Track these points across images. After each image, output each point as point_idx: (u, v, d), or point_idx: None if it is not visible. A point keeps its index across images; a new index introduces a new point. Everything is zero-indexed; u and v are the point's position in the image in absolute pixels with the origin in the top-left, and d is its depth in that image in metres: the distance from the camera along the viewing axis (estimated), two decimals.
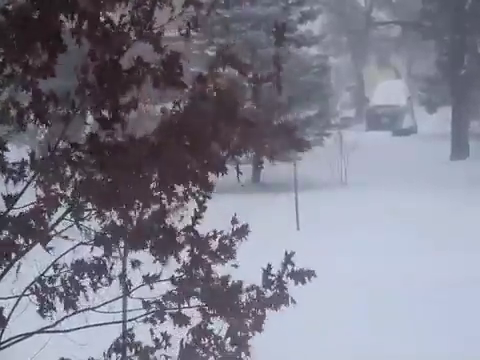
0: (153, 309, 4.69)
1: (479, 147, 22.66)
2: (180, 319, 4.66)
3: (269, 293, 4.75)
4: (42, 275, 4.56)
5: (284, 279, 4.78)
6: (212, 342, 4.67)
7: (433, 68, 31.94)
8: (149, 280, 4.73)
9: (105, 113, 4.21)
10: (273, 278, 4.78)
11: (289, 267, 4.83)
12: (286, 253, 4.85)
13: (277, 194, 17.64)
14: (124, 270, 4.85)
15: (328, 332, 8.73)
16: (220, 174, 4.38)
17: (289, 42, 23.58)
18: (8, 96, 4.20)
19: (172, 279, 4.70)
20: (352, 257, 12.71)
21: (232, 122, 4.32)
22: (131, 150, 4.14)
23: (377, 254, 13.01)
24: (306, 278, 4.75)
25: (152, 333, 4.73)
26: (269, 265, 4.82)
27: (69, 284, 4.53)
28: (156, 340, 4.71)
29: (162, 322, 4.70)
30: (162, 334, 4.75)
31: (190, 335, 4.68)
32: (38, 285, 4.54)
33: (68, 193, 4.34)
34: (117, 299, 4.88)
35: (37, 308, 4.54)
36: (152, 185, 4.33)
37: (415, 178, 22.46)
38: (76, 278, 4.55)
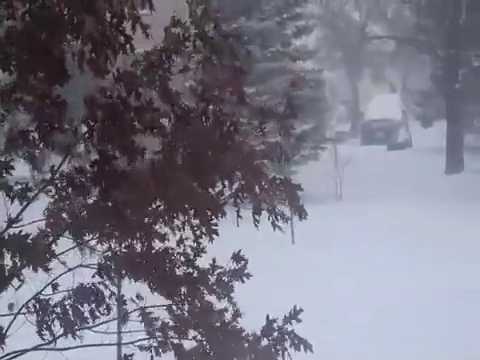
0: (147, 337, 4.65)
1: (474, 161, 22.68)
2: (180, 350, 4.59)
3: (265, 342, 4.62)
4: (39, 293, 4.52)
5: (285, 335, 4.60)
6: None
7: (428, 82, 32.07)
8: (146, 315, 4.68)
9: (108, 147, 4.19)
10: (274, 330, 4.62)
11: (288, 322, 4.65)
12: (294, 308, 4.67)
13: None
14: (119, 293, 4.82)
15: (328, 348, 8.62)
16: (220, 216, 4.29)
17: (284, 56, 23.68)
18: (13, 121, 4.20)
19: (169, 309, 4.63)
20: (347, 271, 12.65)
21: (233, 147, 4.25)
22: (134, 176, 4.09)
23: (372, 268, 12.94)
24: (302, 346, 4.54)
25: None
26: (273, 319, 4.65)
27: (69, 309, 4.47)
28: None
29: (163, 351, 4.63)
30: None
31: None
32: (36, 304, 4.48)
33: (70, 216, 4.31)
34: (113, 320, 4.84)
35: (35, 329, 4.49)
36: (153, 216, 4.26)
37: (410, 192, 22.44)
38: (77, 305, 4.50)
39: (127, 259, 4.37)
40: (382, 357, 8.56)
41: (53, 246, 4.35)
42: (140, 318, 4.75)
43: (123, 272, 4.44)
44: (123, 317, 4.72)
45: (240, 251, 4.73)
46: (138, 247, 4.39)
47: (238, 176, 4.32)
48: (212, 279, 4.62)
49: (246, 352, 4.51)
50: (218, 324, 4.52)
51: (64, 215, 4.35)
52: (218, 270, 4.67)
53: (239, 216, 4.40)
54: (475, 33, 27.06)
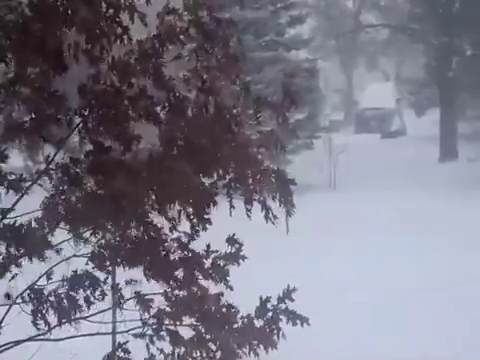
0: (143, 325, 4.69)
1: (467, 149, 22.80)
2: (176, 337, 4.64)
3: (260, 322, 4.69)
4: (34, 284, 4.55)
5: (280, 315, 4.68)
6: (204, 354, 4.65)
7: (421, 71, 32.09)
8: (141, 298, 4.71)
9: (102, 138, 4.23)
10: (269, 311, 4.69)
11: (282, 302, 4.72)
12: (288, 288, 4.74)
13: None
14: (114, 282, 4.86)
15: (328, 337, 8.68)
16: (212, 205, 4.34)
17: (278, 45, 23.68)
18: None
19: (165, 295, 4.68)
20: (342, 260, 12.71)
21: (231, 139, 4.28)
22: (130, 166, 4.13)
23: (368, 256, 13.04)
24: (298, 322, 4.63)
25: (148, 348, 4.70)
26: (267, 297, 4.73)
27: (64, 297, 4.51)
28: (151, 355, 4.69)
29: (158, 339, 4.68)
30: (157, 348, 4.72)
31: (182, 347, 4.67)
32: (30, 294, 4.53)
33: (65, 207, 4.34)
34: (108, 310, 4.88)
35: (29, 320, 4.53)
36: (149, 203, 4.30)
37: (404, 180, 22.54)
38: (71, 293, 4.53)
39: (122, 247, 4.41)
40: (380, 343, 8.59)
41: (49, 237, 4.40)
42: (136, 307, 4.77)
43: (118, 260, 4.48)
44: (118, 301, 4.75)
45: (234, 235, 4.76)
46: (132, 235, 4.43)
47: (232, 166, 4.36)
48: (207, 263, 4.67)
49: (241, 333, 4.58)
50: (213, 309, 4.58)
51: (60, 206, 4.37)
52: (213, 254, 4.71)
53: (232, 206, 4.45)
54: (468, 21, 27.11)
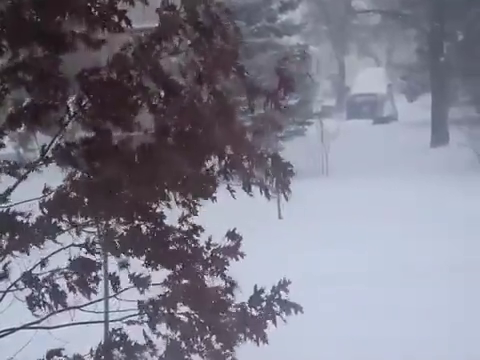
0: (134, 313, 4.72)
1: (459, 134, 22.86)
2: (173, 320, 4.67)
3: (254, 312, 4.73)
4: (29, 272, 4.57)
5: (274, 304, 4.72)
6: (199, 339, 4.69)
7: (413, 56, 32.09)
8: (140, 283, 4.74)
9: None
10: (263, 300, 4.75)
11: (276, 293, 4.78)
12: (283, 280, 4.79)
13: None
14: (106, 271, 4.89)
15: (322, 324, 8.70)
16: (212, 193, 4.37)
17: (270, 31, 23.64)
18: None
19: (165, 282, 4.70)
20: (335, 245, 12.76)
21: (228, 127, 4.31)
22: (126, 153, 4.15)
23: (361, 241, 13.08)
24: (292, 310, 4.69)
25: (145, 335, 4.74)
26: (261, 289, 4.78)
27: (58, 283, 4.55)
28: (149, 341, 4.73)
29: (157, 323, 4.70)
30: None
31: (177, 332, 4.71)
32: (25, 281, 4.55)
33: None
34: (101, 300, 4.91)
35: (26, 304, 4.56)
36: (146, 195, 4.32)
37: (396, 165, 22.62)
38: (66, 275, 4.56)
39: (121, 237, 4.44)
40: (377, 327, 8.61)
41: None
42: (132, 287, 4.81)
43: (117, 249, 4.51)
44: (114, 286, 4.79)
45: (235, 229, 4.80)
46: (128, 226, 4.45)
47: (228, 152, 4.41)
48: (206, 255, 4.70)
49: (235, 322, 4.63)
50: (213, 302, 4.62)
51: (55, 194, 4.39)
52: (213, 247, 4.74)
53: (232, 190, 4.50)
54: (460, 6, 27.10)
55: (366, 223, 14.53)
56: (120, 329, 4.76)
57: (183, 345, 4.68)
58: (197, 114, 4.30)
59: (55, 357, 4.61)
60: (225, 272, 4.73)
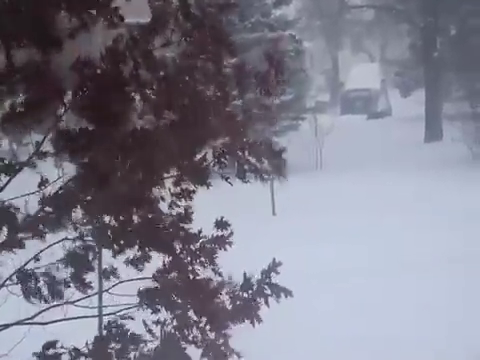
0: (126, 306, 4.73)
1: (452, 129, 22.85)
2: (172, 305, 4.66)
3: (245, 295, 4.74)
4: (24, 266, 4.57)
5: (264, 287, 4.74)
6: (193, 330, 4.69)
7: (406, 51, 32.09)
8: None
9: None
10: (253, 285, 4.76)
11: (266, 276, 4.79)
12: (274, 261, 4.80)
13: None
14: (100, 265, 4.89)
15: (316, 322, 8.70)
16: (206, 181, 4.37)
17: (263, 26, 23.61)
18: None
19: (154, 277, 4.71)
20: (330, 241, 12.74)
21: (222, 114, 4.31)
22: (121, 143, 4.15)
23: (353, 236, 13.10)
24: (282, 294, 4.71)
25: (145, 325, 4.73)
26: (250, 277, 4.78)
27: (53, 276, 4.54)
28: (149, 331, 4.72)
29: (156, 311, 4.69)
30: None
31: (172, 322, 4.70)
32: (20, 276, 4.54)
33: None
34: (95, 294, 4.91)
35: (22, 297, 4.56)
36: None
37: (390, 161, 22.65)
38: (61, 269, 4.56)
39: (113, 228, 4.44)
40: (375, 322, 8.64)
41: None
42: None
43: (109, 241, 4.51)
44: (108, 274, 4.80)
45: (223, 218, 4.79)
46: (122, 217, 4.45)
47: (222, 139, 4.42)
48: (195, 247, 4.70)
49: (227, 309, 4.64)
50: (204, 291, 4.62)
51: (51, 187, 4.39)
52: (202, 239, 4.74)
53: (227, 178, 4.50)
54: (453, 1, 27.12)
55: (362, 217, 14.55)
56: (115, 321, 4.77)
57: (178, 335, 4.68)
58: (191, 101, 4.30)
59: (51, 349, 4.61)
60: (215, 261, 4.73)
